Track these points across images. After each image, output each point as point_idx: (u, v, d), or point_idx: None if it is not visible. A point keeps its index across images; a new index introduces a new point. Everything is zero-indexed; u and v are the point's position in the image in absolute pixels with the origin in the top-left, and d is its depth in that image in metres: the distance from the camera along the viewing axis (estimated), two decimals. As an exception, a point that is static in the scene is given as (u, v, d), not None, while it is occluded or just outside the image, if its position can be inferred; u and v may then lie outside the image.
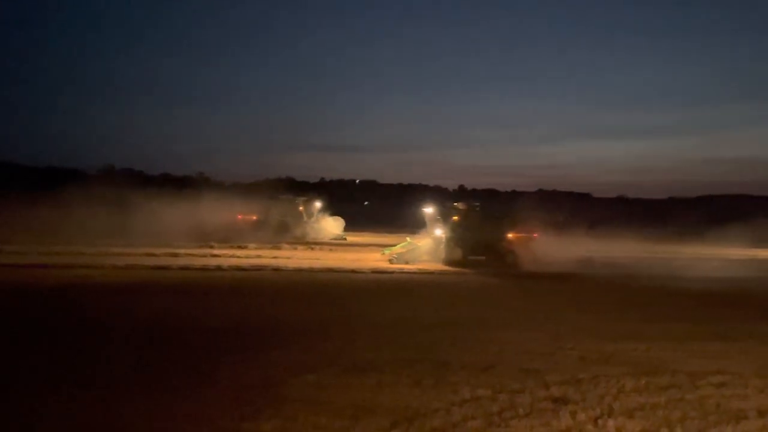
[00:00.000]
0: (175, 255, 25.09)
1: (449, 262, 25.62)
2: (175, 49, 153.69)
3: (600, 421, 6.61)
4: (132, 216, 31.92)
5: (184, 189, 45.62)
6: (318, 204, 42.00)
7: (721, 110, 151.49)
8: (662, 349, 10.44)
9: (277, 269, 21.58)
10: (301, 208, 40.23)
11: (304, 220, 39.83)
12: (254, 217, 37.43)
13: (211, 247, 28.87)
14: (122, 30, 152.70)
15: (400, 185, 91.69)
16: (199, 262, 22.85)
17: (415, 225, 30.40)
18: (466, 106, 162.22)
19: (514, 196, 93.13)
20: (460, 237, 26.41)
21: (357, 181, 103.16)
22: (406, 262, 25.38)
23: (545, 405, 7.14)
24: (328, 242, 37.17)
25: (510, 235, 26.99)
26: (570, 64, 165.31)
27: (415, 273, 22.95)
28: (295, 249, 31.08)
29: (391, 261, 25.54)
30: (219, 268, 21.27)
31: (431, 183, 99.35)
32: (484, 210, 29.77)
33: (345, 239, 39.34)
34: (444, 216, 27.82)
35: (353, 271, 22.24)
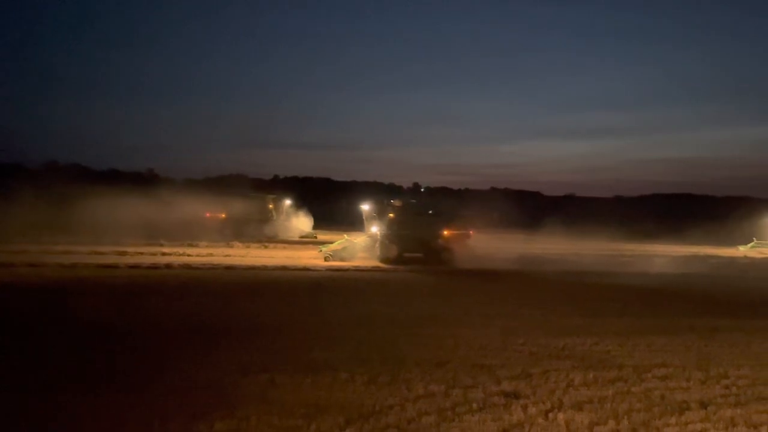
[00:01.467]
0: (124, 253, 24.51)
1: (385, 259, 25.63)
2: (122, 42, 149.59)
3: (550, 415, 6.76)
4: (78, 213, 30.98)
5: (136, 185, 44.44)
6: (287, 202, 41.65)
7: (664, 112, 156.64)
8: (609, 343, 10.73)
9: (229, 267, 21.31)
10: (270, 205, 39.80)
11: (273, 217, 39.43)
12: (223, 215, 36.84)
13: (161, 245, 28.30)
14: (67, 21, 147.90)
15: (354, 183, 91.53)
16: (148, 260, 22.38)
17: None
18: (419, 105, 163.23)
19: (466, 193, 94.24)
20: (395, 234, 26.40)
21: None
22: (342, 260, 25.21)
23: (497, 400, 7.26)
24: (296, 240, 36.95)
25: (446, 233, 27.09)
26: (522, 66, 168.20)
27: (366, 271, 22.99)
28: (248, 247, 30.74)
29: (326, 259, 25.20)
30: (169, 266, 20.87)
31: (386, 181, 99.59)
32: (421, 207, 29.81)
33: (315, 237, 38.99)
34: (380, 213, 27.78)
35: (307, 269, 22.15)
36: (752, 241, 41.47)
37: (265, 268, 21.74)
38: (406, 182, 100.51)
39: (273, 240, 35.19)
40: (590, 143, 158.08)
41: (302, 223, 41.57)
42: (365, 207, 29.08)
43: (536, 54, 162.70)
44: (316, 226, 43.91)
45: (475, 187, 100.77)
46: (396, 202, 28.55)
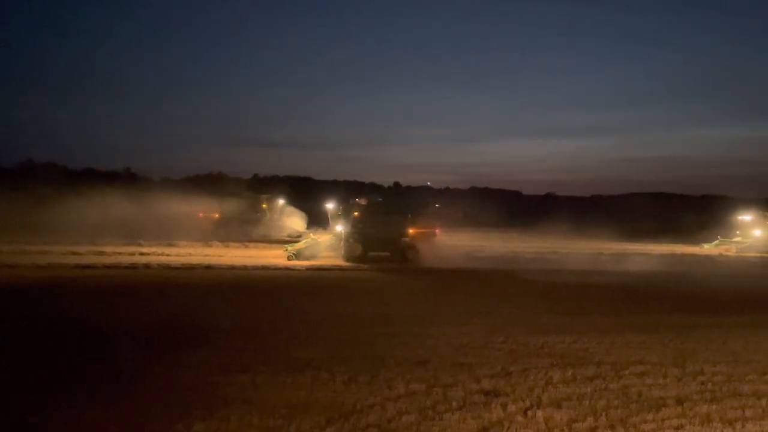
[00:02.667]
0: (101, 253, 24.24)
1: (349, 258, 25.53)
2: (99, 39, 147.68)
3: (529, 413, 6.81)
4: (55, 213, 30.54)
5: (113, 184, 43.88)
6: (281, 201, 41.47)
7: (644, 112, 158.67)
8: (587, 341, 10.83)
9: (208, 267, 21.16)
10: (264, 205, 39.60)
11: (267, 217, 39.26)
12: (216, 215, 36.56)
13: (139, 245, 28.02)
14: (44, 18, 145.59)
15: (335, 182, 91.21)
16: (126, 260, 22.16)
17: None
18: (400, 104, 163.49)
19: (446, 192, 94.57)
20: (360, 233, 26.27)
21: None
22: (306, 259, 25.02)
23: (477, 398, 7.29)
24: (285, 239, 36.82)
25: (411, 231, 26.98)
26: (503, 65, 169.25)
27: (345, 270, 22.98)
28: (227, 246, 30.55)
29: (289, 258, 24.94)
30: (147, 266, 20.68)
31: (366, 180, 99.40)
32: (385, 205, 29.68)
33: (310, 236, 38.89)
34: (345, 212, 27.66)
35: (287, 268, 22.07)
36: (717, 239, 41.75)
37: (244, 267, 21.63)
38: (386, 181, 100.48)
39: (267, 239, 34.95)
40: (570, 142, 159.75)
41: (296, 222, 41.36)
42: (330, 206, 29.00)
43: (517, 53, 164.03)
44: (310, 225, 43.67)
45: (455, 186, 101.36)
46: (361, 201, 28.43)
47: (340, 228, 27.01)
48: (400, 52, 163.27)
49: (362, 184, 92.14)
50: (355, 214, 27.00)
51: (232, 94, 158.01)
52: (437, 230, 28.30)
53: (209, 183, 50.43)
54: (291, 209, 42.46)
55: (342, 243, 26.38)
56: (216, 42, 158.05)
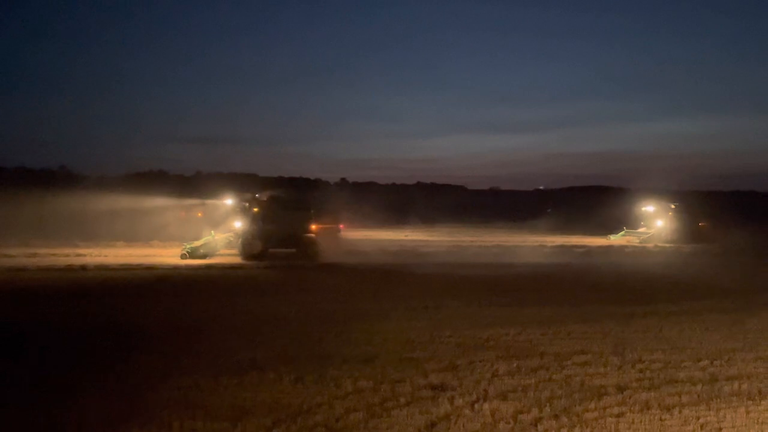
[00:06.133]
0: (34, 255, 23.25)
1: (248, 255, 24.87)
2: (35, 32, 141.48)
3: (476, 406, 6.87)
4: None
5: (51, 183, 42.07)
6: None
7: (583, 107, 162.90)
8: (532, 332, 11.03)
9: (149, 267, 20.58)
10: (246, 204, 39.00)
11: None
12: (199, 215, 35.73)
13: (76, 246, 27.00)
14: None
15: (281, 178, 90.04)
16: (62, 262, 21.32)
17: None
18: (345, 100, 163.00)
19: (393, 188, 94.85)
20: (260, 229, 25.54)
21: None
22: (202, 257, 24.28)
23: (425, 393, 7.32)
24: None
25: (314, 227, 26.47)
26: (446, 62, 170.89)
27: (292, 269, 22.70)
28: (166, 247, 29.78)
29: (182, 257, 24.09)
30: (84, 268, 19.94)
31: (312, 176, 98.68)
32: (287, 201, 28.82)
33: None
34: (245, 208, 27.05)
35: (231, 267, 21.70)
36: (622, 230, 42.55)
37: (188, 267, 21.14)
38: (333, 177, 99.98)
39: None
40: (512, 138, 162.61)
41: None
42: (228, 201, 28.41)
43: (460, 50, 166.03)
44: None
45: (401, 182, 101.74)
46: (261, 196, 27.87)
47: (238, 224, 26.36)
48: (345, 48, 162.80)
49: (308, 180, 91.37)
50: (255, 210, 26.26)
51: (170, 91, 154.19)
52: (341, 226, 28.03)
53: (149, 181, 49.07)
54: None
55: (241, 240, 25.80)
56: (154, 38, 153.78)
